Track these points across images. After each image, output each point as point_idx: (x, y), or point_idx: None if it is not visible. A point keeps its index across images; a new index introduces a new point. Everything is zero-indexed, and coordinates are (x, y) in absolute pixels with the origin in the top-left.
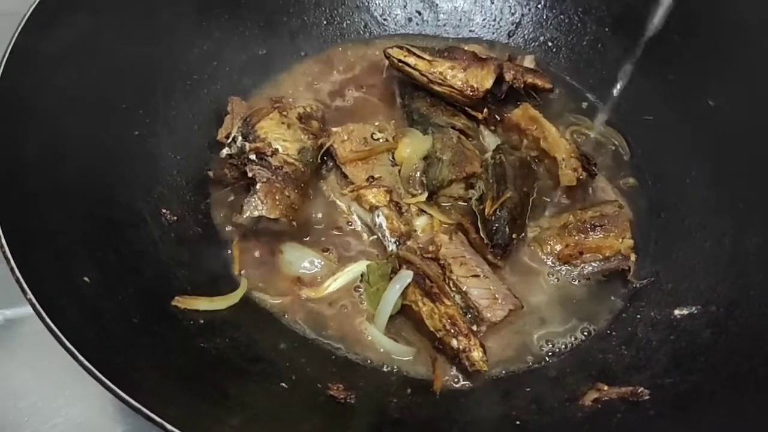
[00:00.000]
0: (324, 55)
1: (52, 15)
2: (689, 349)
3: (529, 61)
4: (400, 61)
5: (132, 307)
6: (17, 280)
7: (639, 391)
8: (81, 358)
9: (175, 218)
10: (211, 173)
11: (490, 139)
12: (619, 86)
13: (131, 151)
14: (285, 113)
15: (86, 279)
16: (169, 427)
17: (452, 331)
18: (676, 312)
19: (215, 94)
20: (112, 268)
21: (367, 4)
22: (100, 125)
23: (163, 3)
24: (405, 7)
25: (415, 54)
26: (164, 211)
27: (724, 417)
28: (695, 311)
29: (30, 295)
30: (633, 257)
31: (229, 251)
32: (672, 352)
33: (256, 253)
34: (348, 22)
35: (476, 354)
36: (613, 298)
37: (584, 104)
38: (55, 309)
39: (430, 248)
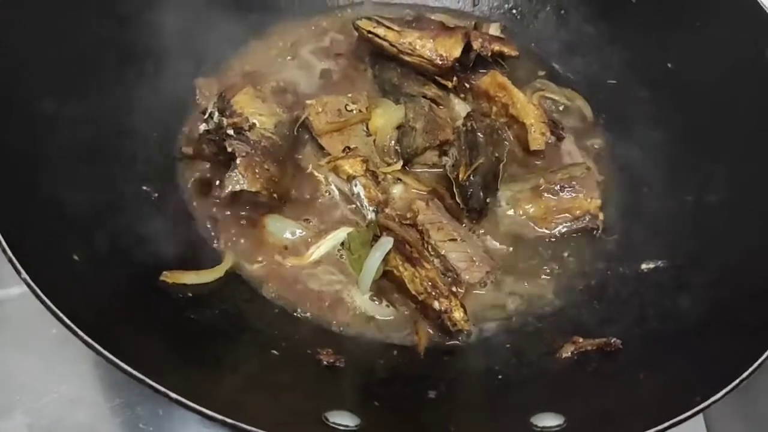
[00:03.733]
0: (291, 29)
1: None
2: (656, 300)
3: (494, 29)
4: (369, 32)
5: (121, 281)
6: (9, 260)
7: (612, 341)
8: (75, 328)
9: (156, 194)
10: (186, 150)
11: (461, 107)
12: (582, 52)
13: (108, 129)
14: (259, 88)
15: (75, 257)
16: (162, 389)
17: (433, 293)
18: (643, 266)
19: (186, 70)
20: (98, 246)
21: None
22: (78, 104)
23: None
24: None
25: (384, 25)
26: (145, 188)
27: (690, 361)
28: (661, 264)
29: (24, 274)
30: (601, 216)
31: (210, 225)
32: (640, 304)
33: (239, 227)
34: None
35: (457, 314)
36: (583, 256)
37: (549, 70)
38: (46, 284)
39: (408, 215)
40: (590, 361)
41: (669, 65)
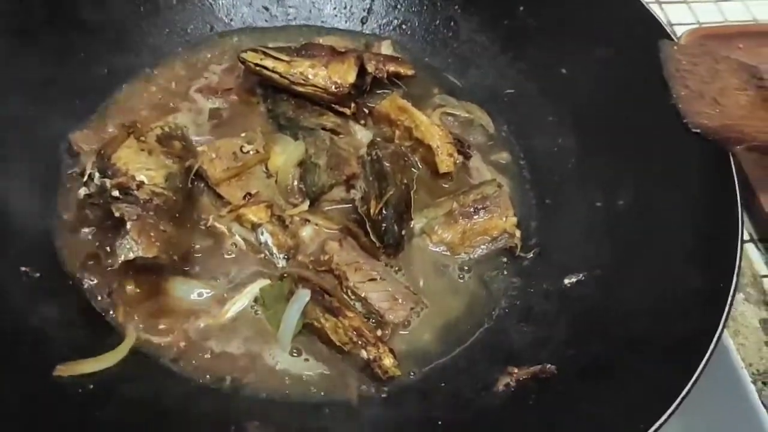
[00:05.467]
0: (171, 65)
1: None
2: (584, 316)
3: (386, 47)
4: (257, 65)
5: (8, 392)
6: None
7: (547, 367)
8: None
9: (38, 275)
10: (66, 217)
11: (363, 134)
12: (477, 63)
13: None
14: (142, 138)
15: None
16: None
17: (359, 342)
18: (566, 281)
19: (57, 125)
20: None
21: (210, 5)
22: None
23: None
24: (251, 4)
25: (271, 56)
26: (24, 269)
27: (628, 385)
28: (582, 277)
29: None
30: (518, 233)
31: (104, 300)
32: (569, 322)
33: (139, 296)
34: (192, 27)
35: (387, 361)
36: (505, 277)
37: (445, 85)
38: None
39: (322, 258)
40: (529, 393)
41: (563, 71)
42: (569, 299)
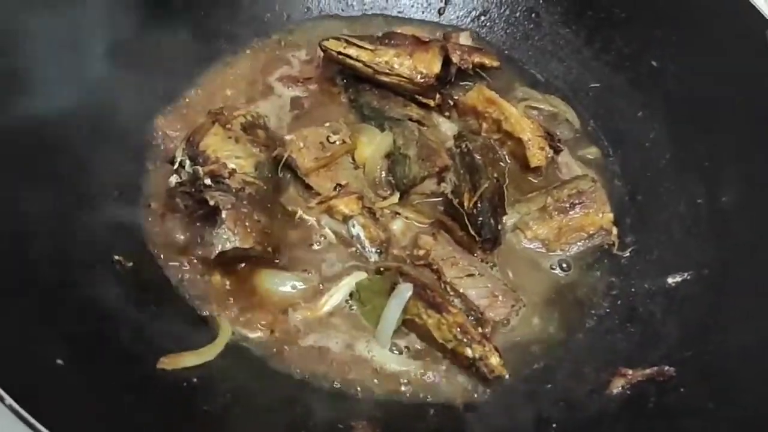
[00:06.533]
0: (250, 55)
1: None
2: (695, 316)
3: (465, 38)
4: (339, 53)
5: (118, 380)
6: None
7: (665, 370)
8: None
9: (131, 264)
10: (155, 206)
11: (447, 126)
12: (559, 56)
13: (63, 200)
14: (228, 126)
15: (59, 362)
16: None
17: (464, 340)
18: (669, 280)
19: (141, 115)
20: (82, 341)
21: None
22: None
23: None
24: None
25: (355, 44)
26: (117, 258)
27: (757, 385)
28: (688, 277)
29: (8, 399)
30: (615, 230)
31: (196, 291)
32: (680, 323)
33: (230, 289)
34: (269, 15)
35: (494, 360)
36: (603, 275)
37: (527, 78)
38: (34, 405)
39: (416, 252)
40: (647, 395)
41: (653, 63)
42: (676, 299)
